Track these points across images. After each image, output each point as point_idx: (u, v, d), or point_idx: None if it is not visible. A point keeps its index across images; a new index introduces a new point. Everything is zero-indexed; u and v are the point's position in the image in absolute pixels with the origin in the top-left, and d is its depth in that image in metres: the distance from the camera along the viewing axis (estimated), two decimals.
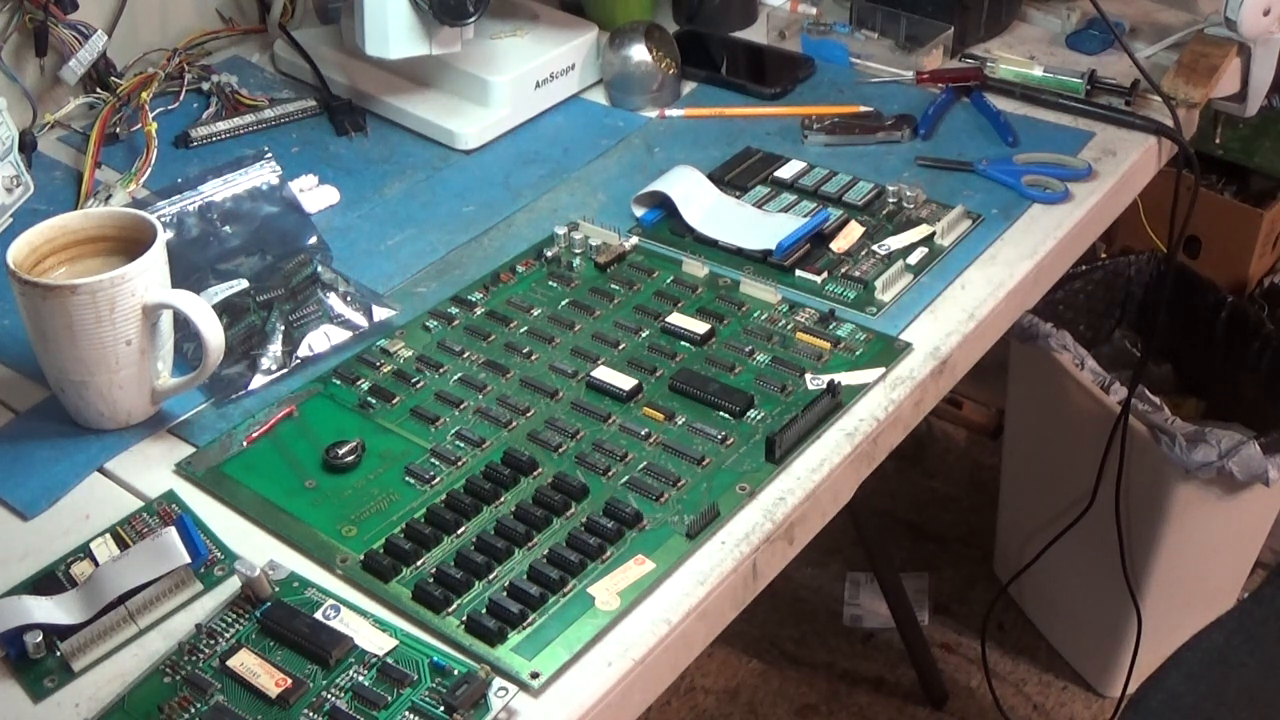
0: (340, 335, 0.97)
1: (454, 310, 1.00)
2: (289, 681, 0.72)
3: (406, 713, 0.70)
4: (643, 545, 0.80)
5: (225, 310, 0.94)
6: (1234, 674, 1.08)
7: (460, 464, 0.86)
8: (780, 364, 0.94)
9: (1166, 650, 1.11)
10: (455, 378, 0.94)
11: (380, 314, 0.98)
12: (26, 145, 1.17)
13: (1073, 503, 1.61)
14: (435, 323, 0.99)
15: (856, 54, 1.32)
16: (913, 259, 1.04)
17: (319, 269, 1.00)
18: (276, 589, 0.77)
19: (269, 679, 0.72)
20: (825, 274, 1.02)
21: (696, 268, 1.03)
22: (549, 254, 1.05)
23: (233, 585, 0.78)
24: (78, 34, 1.22)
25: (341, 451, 0.86)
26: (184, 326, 0.90)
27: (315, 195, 1.13)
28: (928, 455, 2.15)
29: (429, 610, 0.76)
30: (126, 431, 0.90)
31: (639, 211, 1.10)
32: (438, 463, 0.86)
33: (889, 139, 1.19)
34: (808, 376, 0.92)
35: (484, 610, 0.76)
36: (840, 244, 1.06)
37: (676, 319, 0.98)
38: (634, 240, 1.06)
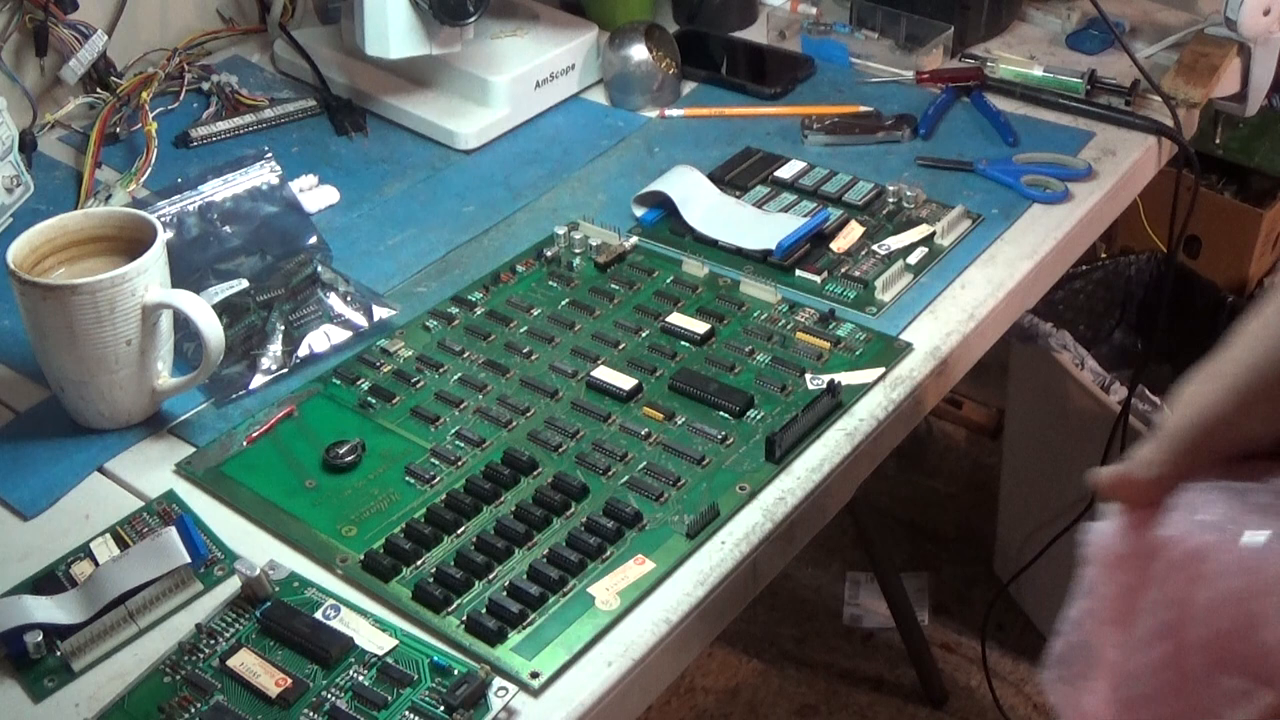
0: (340, 335, 0.97)
1: (454, 310, 1.00)
2: (289, 681, 0.72)
3: (406, 712, 0.70)
4: (643, 545, 0.80)
5: (225, 310, 0.94)
6: None
7: (460, 464, 0.86)
8: (780, 364, 0.94)
9: None
10: (455, 378, 0.94)
11: (380, 314, 0.98)
12: (26, 145, 1.17)
13: (1073, 503, 1.61)
14: (435, 323, 0.99)
15: (856, 54, 1.32)
16: (913, 259, 1.04)
17: (319, 269, 1.00)
18: (276, 589, 0.77)
19: (269, 679, 0.72)
20: (825, 274, 1.02)
21: (696, 268, 1.03)
22: (549, 254, 1.05)
23: (233, 585, 0.78)
24: (78, 34, 1.22)
25: (341, 451, 0.86)
26: (184, 326, 0.91)
27: (315, 195, 1.13)
28: (928, 455, 2.15)
29: (429, 610, 0.76)
30: (126, 431, 0.90)
31: (639, 211, 1.10)
32: (438, 462, 0.86)
33: (889, 139, 1.19)
34: (808, 376, 0.92)
35: (484, 610, 0.76)
36: (840, 244, 1.06)
37: (676, 319, 0.98)
38: (634, 240, 1.06)
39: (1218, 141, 1.90)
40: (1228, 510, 0.54)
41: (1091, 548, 0.59)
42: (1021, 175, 1.12)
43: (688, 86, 1.30)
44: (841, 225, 1.07)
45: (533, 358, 0.95)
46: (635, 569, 0.78)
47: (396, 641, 0.74)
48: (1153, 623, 0.56)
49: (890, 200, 1.10)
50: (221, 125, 1.23)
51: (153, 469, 0.88)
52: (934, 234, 1.06)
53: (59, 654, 0.74)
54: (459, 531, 0.81)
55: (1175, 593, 0.55)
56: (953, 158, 1.16)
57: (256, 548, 0.81)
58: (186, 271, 0.97)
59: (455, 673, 0.72)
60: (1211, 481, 0.56)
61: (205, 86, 1.27)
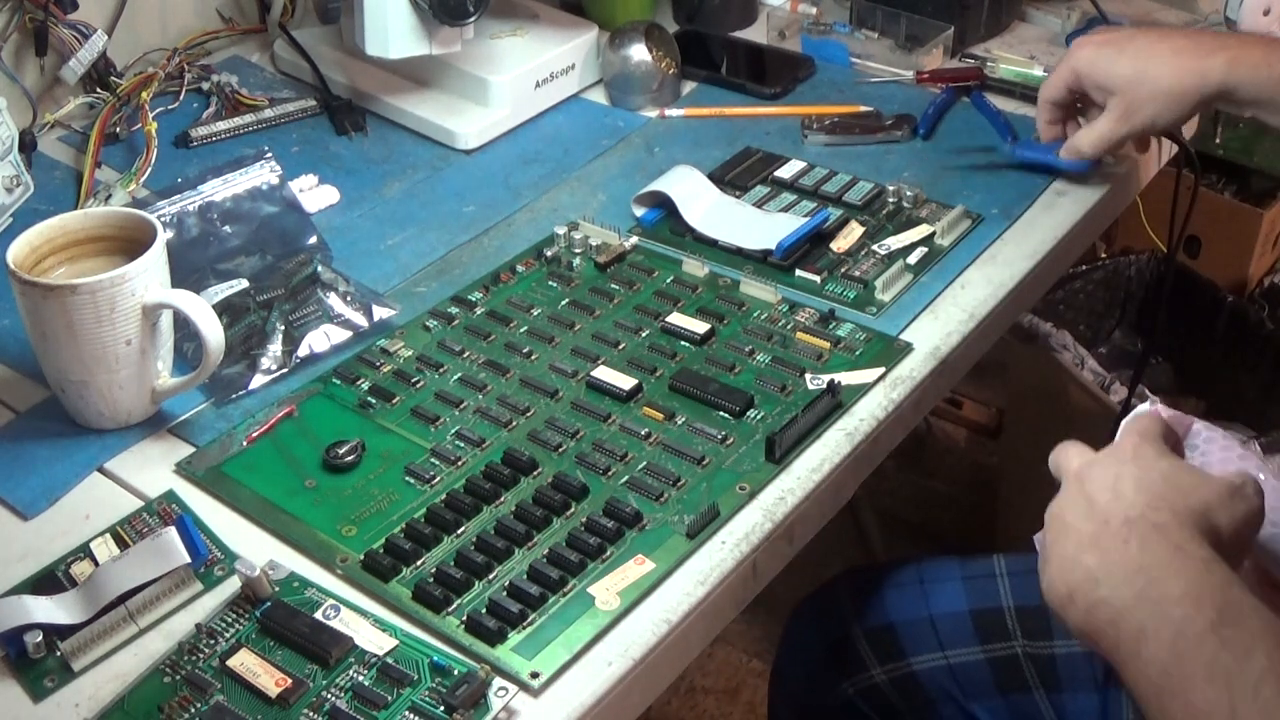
0: (340, 335, 0.97)
1: (454, 310, 1.00)
2: (289, 681, 0.72)
3: (406, 713, 0.70)
4: (643, 545, 0.80)
5: (225, 310, 0.94)
6: None
7: (460, 464, 0.86)
8: (780, 364, 0.94)
9: None
10: (455, 377, 0.94)
11: (380, 314, 0.98)
12: (26, 145, 1.17)
13: None
14: (435, 322, 0.99)
15: (856, 54, 1.32)
16: (913, 259, 1.04)
17: (319, 269, 1.00)
18: (276, 589, 0.77)
19: (269, 679, 0.72)
20: (825, 274, 1.02)
21: (696, 268, 1.03)
22: (549, 254, 1.05)
23: (233, 585, 0.78)
24: (78, 34, 1.22)
25: (341, 451, 0.86)
26: (184, 326, 0.90)
27: (315, 195, 1.13)
28: (928, 455, 2.15)
29: (429, 610, 0.76)
30: (126, 431, 0.90)
31: (639, 211, 1.10)
32: (438, 462, 0.86)
33: (889, 139, 1.19)
34: (808, 376, 0.92)
35: (484, 610, 0.76)
36: (840, 244, 1.06)
37: (676, 319, 0.98)
38: (634, 240, 1.06)
39: (1218, 141, 1.90)
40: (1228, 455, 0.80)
41: (1134, 423, 0.82)
42: (1053, 149, 1.12)
43: (688, 86, 1.31)
44: (841, 225, 1.07)
45: (533, 358, 0.95)
46: (635, 569, 0.78)
47: (396, 641, 0.74)
48: None
49: (890, 200, 1.10)
50: (221, 125, 1.23)
51: (153, 469, 0.88)
52: (934, 234, 1.06)
53: (59, 654, 0.74)
54: (459, 531, 0.81)
55: None
56: (978, 146, 1.17)
57: (256, 548, 0.81)
58: (186, 271, 0.97)
59: (455, 673, 0.72)
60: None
61: (205, 86, 1.27)
